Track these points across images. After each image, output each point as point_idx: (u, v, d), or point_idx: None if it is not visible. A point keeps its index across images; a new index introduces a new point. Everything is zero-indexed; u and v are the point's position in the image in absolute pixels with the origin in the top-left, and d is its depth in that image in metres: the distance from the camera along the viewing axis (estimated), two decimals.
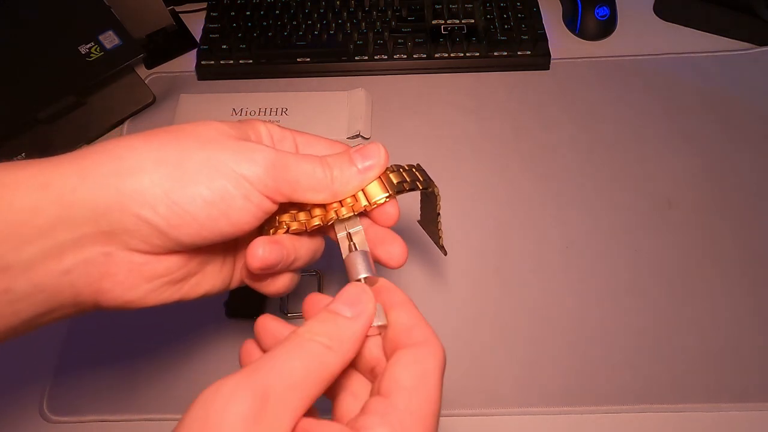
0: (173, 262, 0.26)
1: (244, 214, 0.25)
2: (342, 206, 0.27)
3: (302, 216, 0.28)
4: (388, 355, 0.24)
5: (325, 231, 0.30)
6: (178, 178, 0.23)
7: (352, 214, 0.27)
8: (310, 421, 0.21)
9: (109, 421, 0.43)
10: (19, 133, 0.54)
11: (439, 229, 0.31)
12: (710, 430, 0.41)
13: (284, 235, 0.28)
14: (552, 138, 0.56)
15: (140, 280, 0.25)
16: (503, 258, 0.49)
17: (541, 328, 0.46)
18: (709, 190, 0.52)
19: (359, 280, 0.26)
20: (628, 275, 0.48)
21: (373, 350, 0.25)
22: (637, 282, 0.48)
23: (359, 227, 0.29)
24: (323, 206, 0.28)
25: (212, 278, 0.29)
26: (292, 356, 0.21)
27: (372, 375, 0.26)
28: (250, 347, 0.27)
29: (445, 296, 0.47)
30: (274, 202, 0.26)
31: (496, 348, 0.45)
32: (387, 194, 0.27)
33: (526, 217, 0.51)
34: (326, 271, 0.48)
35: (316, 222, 0.28)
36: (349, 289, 0.24)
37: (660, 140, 0.55)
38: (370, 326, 0.24)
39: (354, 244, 0.28)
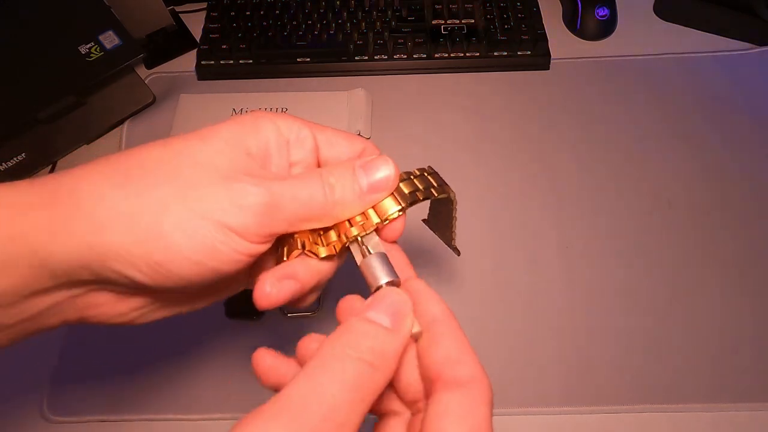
0: (164, 294, 0.24)
1: (233, 264, 0.23)
2: (352, 226, 0.25)
3: (311, 238, 0.25)
4: (426, 381, 0.22)
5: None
6: (157, 239, 0.21)
7: (364, 233, 0.25)
8: None
9: (109, 421, 0.43)
10: (19, 133, 0.55)
11: (452, 233, 0.29)
12: (710, 430, 0.41)
13: (300, 260, 0.25)
14: (552, 138, 0.56)
15: (126, 309, 0.24)
16: (503, 258, 0.49)
17: (540, 328, 0.46)
18: (709, 190, 0.52)
19: (380, 287, 0.24)
20: (628, 275, 0.48)
21: (409, 374, 0.23)
22: (637, 282, 0.48)
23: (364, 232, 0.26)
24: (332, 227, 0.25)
25: (233, 284, 0.27)
26: (337, 383, 0.19)
27: (404, 394, 0.24)
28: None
29: (444, 296, 0.47)
30: (267, 243, 0.24)
31: (495, 348, 0.45)
32: (399, 207, 0.25)
33: (526, 217, 0.51)
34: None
35: (323, 254, 0.25)
36: (387, 296, 0.22)
37: (660, 140, 0.55)
38: (409, 339, 0.22)
39: (367, 247, 0.25)
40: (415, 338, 0.23)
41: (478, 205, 0.52)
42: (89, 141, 0.59)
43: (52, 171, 0.57)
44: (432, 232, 0.32)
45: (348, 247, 0.25)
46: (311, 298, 0.27)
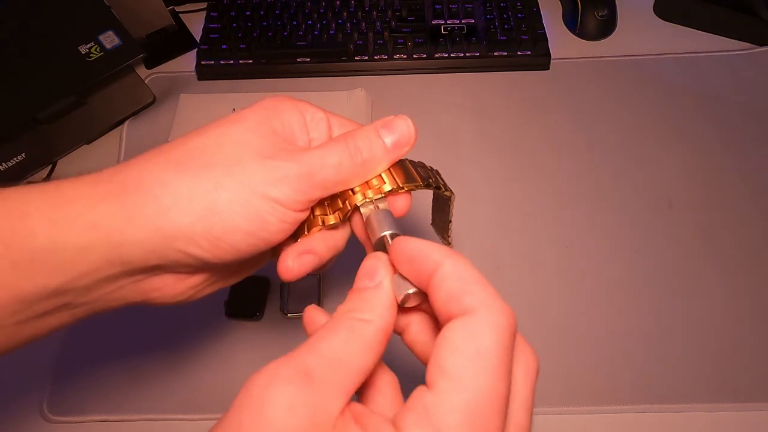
0: (217, 269, 0.27)
1: (279, 233, 0.25)
2: (369, 188, 0.26)
3: (330, 208, 0.27)
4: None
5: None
6: (216, 214, 0.23)
7: (380, 196, 0.26)
8: (362, 409, 0.20)
9: (110, 421, 0.43)
10: (19, 133, 0.55)
11: (449, 234, 0.31)
12: (710, 430, 0.41)
13: (318, 234, 0.27)
14: (552, 138, 0.56)
15: (184, 289, 0.27)
16: (503, 258, 0.49)
17: (540, 328, 0.46)
18: (709, 190, 0.52)
19: (383, 237, 0.25)
20: (628, 275, 0.48)
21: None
22: (637, 282, 0.48)
23: (380, 195, 0.27)
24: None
25: (264, 257, 0.29)
26: (329, 335, 0.21)
27: None
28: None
29: None
30: (306, 210, 0.26)
31: None
32: (416, 183, 0.27)
33: (527, 217, 0.51)
34: (327, 271, 0.48)
35: (338, 211, 0.27)
36: (364, 263, 0.24)
37: (660, 140, 0.55)
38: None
39: (377, 204, 0.27)
40: (418, 299, 0.23)
41: (478, 204, 0.52)
42: (89, 141, 0.58)
43: (52, 171, 0.57)
44: (436, 234, 0.33)
45: (351, 217, 0.27)
46: (327, 267, 0.29)
